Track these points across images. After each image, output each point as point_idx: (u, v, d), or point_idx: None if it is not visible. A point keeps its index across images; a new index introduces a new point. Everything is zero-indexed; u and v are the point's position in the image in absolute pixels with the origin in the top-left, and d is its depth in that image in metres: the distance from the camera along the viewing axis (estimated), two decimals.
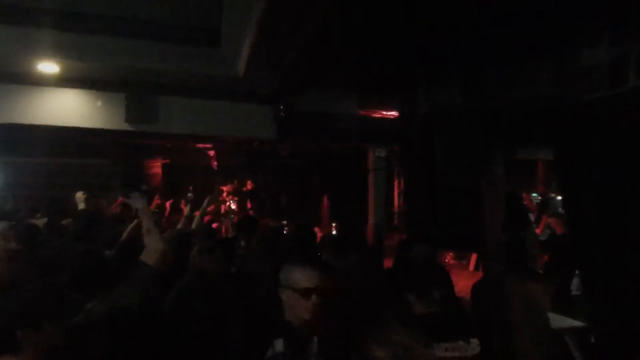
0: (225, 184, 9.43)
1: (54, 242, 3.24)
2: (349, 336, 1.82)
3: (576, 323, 3.51)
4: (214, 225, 5.71)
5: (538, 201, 7.91)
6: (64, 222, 4.51)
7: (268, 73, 5.52)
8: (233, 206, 8.79)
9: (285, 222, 7.45)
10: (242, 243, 4.04)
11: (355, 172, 8.50)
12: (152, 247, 1.87)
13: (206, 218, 5.15)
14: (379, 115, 7.11)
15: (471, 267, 7.34)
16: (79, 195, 4.51)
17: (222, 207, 8.48)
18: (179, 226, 4.34)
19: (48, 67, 5.48)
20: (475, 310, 2.76)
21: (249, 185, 9.40)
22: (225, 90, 6.46)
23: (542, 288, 2.36)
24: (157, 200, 6.06)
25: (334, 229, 7.34)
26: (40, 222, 4.62)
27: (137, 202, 2.33)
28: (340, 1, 3.85)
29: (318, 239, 5.02)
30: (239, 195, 9.29)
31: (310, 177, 9.36)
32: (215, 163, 10.25)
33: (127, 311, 1.43)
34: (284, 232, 5.77)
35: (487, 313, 2.72)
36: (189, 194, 6.28)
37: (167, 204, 5.85)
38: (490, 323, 2.56)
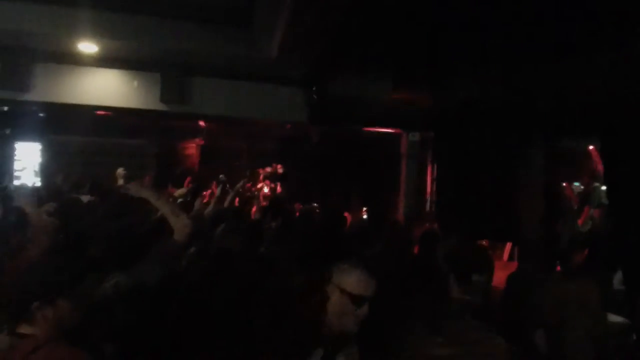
0: (260, 168, 9.48)
1: (88, 219, 3.33)
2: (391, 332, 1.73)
3: (618, 320, 3.35)
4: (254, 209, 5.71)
5: (580, 191, 7.53)
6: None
7: (300, 56, 5.47)
8: (266, 189, 8.85)
9: (315, 205, 7.43)
10: (273, 225, 4.03)
11: (387, 158, 8.36)
12: (180, 226, 1.93)
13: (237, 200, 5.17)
14: (412, 101, 6.92)
15: (505, 256, 7.11)
16: (120, 172, 4.65)
17: (259, 190, 8.57)
18: (210, 206, 4.39)
19: (87, 47, 5.61)
20: (506, 303, 2.66)
21: (280, 169, 9.43)
22: (258, 73, 6.45)
23: (588, 285, 2.23)
24: (189, 182, 6.15)
25: (364, 215, 7.27)
26: (84, 198, 4.78)
27: (139, 192, 2.32)
28: None
29: (348, 225, 4.97)
30: (273, 178, 9.32)
31: (342, 162, 9.28)
32: (250, 146, 10.31)
33: (146, 289, 1.43)
34: (314, 216, 5.72)
35: (520, 307, 2.61)
36: (221, 176, 6.32)
37: (185, 183, 5.89)
38: (523, 318, 2.45)
